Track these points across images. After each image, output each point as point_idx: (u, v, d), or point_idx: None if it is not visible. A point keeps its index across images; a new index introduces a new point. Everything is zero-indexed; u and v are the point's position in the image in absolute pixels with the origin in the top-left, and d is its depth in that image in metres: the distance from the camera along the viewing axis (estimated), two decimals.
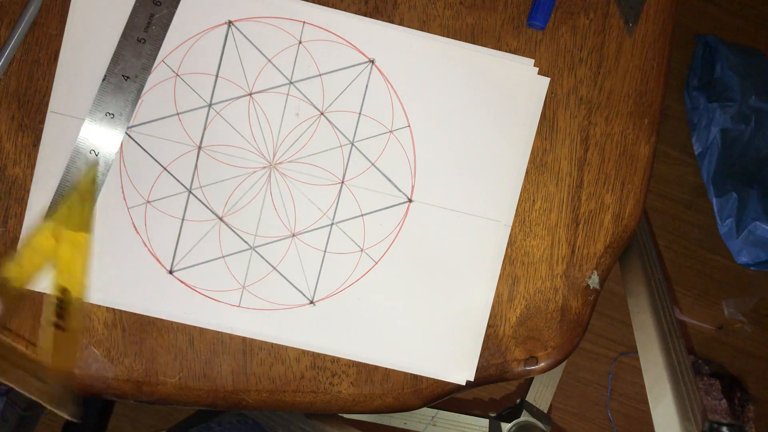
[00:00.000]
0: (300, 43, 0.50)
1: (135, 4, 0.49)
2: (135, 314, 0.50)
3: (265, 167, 0.51)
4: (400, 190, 0.51)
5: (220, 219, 0.50)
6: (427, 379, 0.52)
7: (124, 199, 0.50)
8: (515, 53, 0.51)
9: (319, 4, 0.50)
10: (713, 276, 1.25)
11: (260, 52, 0.50)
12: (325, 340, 0.51)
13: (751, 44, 1.24)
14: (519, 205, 0.52)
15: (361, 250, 0.51)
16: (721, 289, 1.25)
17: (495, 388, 1.23)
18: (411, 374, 0.52)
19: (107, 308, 0.50)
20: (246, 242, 0.51)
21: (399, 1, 0.51)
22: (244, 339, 0.51)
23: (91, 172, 0.47)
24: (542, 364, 0.52)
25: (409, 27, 0.51)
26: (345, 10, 0.50)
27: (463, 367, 0.52)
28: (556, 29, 0.51)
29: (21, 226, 0.49)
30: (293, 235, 0.51)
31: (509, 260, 0.52)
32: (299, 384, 0.51)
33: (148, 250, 0.50)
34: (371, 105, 0.51)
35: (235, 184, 0.50)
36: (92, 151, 0.49)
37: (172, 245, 0.50)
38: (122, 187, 0.50)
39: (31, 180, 0.49)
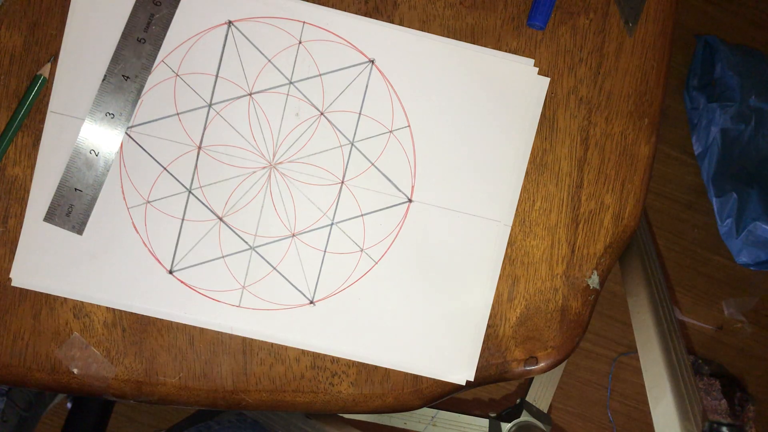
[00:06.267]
0: (300, 43, 0.50)
1: (135, 4, 0.49)
2: (135, 314, 0.50)
3: (265, 167, 0.51)
4: (400, 190, 0.51)
5: (220, 219, 0.50)
6: (427, 379, 0.52)
7: (124, 199, 0.50)
8: (515, 53, 0.51)
9: (319, 4, 0.50)
10: (713, 276, 1.25)
11: (260, 52, 0.50)
12: (325, 340, 0.51)
13: (751, 44, 1.24)
14: (519, 205, 0.52)
15: (361, 250, 0.51)
16: (721, 289, 1.25)
17: (495, 388, 1.23)
18: (411, 374, 0.52)
19: (107, 308, 0.50)
20: (246, 242, 0.51)
21: (399, 1, 0.51)
22: (244, 339, 0.51)
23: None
24: (542, 364, 0.52)
25: (409, 27, 0.51)
26: (345, 10, 0.50)
27: (463, 367, 0.52)
28: (556, 29, 0.51)
29: (21, 226, 0.49)
30: (293, 235, 0.51)
31: (509, 260, 0.52)
32: (299, 384, 0.51)
33: (148, 250, 0.50)
34: (371, 105, 0.51)
35: (235, 184, 0.50)
36: (92, 151, 0.49)
37: (172, 245, 0.50)
38: (122, 187, 0.50)
39: (31, 180, 0.49)
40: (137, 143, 0.50)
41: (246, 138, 0.50)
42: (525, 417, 1.09)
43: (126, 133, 0.50)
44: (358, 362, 0.51)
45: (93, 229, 0.50)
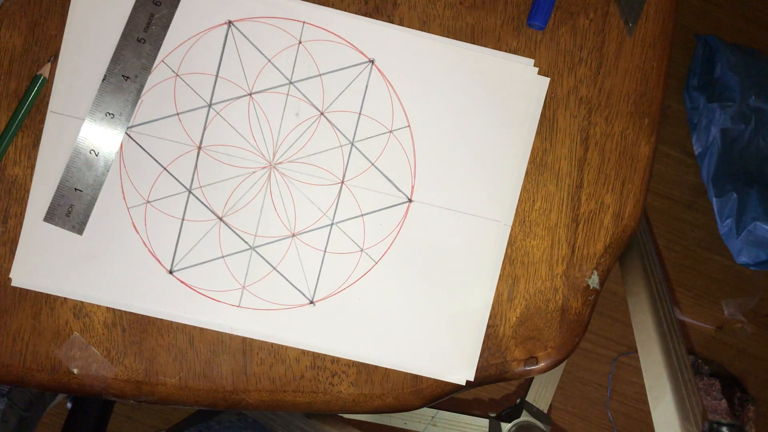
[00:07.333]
0: (300, 43, 0.50)
1: (135, 4, 0.49)
2: (135, 314, 0.50)
3: (265, 167, 0.51)
4: (400, 190, 0.51)
5: (220, 219, 0.50)
6: (427, 379, 0.52)
7: (124, 199, 0.50)
8: (515, 53, 0.51)
9: (319, 4, 0.50)
10: (713, 276, 1.25)
11: (260, 52, 0.50)
12: (325, 340, 0.51)
13: (751, 44, 1.24)
14: (519, 205, 0.52)
15: (361, 250, 0.51)
16: (721, 289, 1.25)
17: (495, 388, 1.23)
18: (411, 374, 0.52)
19: (107, 308, 0.50)
20: (246, 242, 0.51)
21: (399, 1, 0.51)
22: (244, 339, 0.51)
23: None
24: (542, 364, 0.52)
25: (409, 27, 0.51)
26: (345, 10, 0.50)
27: (463, 367, 0.52)
28: (556, 29, 0.51)
29: (21, 226, 0.49)
30: (293, 235, 0.51)
31: (509, 260, 0.52)
32: (299, 384, 0.51)
33: (148, 250, 0.50)
34: (371, 105, 0.51)
35: (235, 184, 0.50)
36: (92, 151, 0.49)
37: (172, 245, 0.50)
38: (122, 187, 0.50)
39: (31, 180, 0.49)
40: (137, 143, 0.50)
41: (246, 138, 0.50)
42: (525, 417, 1.09)
43: (126, 133, 0.50)
44: (358, 362, 0.51)
45: (93, 229, 0.50)
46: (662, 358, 0.67)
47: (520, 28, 0.51)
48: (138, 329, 0.50)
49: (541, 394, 1.16)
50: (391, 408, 0.52)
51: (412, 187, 0.51)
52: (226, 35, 0.50)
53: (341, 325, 0.51)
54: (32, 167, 0.49)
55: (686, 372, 0.65)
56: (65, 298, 0.50)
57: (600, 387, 1.25)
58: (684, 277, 1.25)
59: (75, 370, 0.50)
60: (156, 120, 0.50)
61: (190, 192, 0.50)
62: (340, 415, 0.88)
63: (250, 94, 0.50)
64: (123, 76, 0.49)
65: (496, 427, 1.09)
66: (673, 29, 0.52)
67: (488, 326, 0.52)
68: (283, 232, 0.51)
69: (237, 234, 0.51)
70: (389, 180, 0.51)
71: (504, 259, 0.52)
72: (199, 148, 0.50)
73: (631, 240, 0.53)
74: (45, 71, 0.49)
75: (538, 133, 0.52)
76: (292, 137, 0.51)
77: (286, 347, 0.51)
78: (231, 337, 0.51)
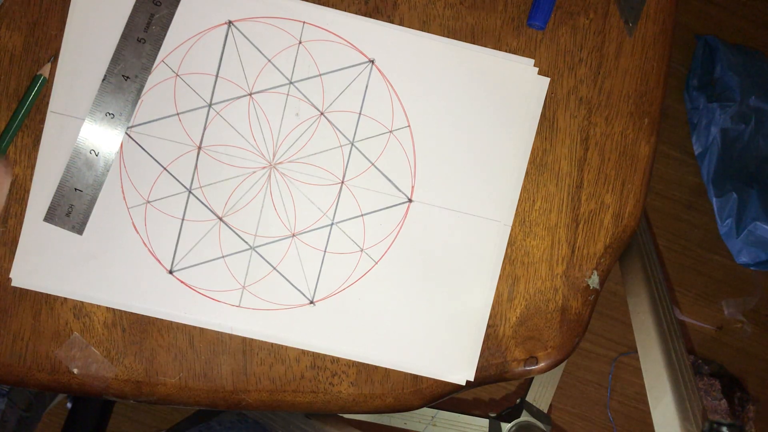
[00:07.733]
0: (300, 43, 0.50)
1: (135, 4, 0.49)
2: (135, 314, 0.50)
3: (265, 167, 0.51)
4: (400, 190, 0.51)
5: (220, 219, 0.50)
6: (427, 379, 0.52)
7: (124, 199, 0.50)
8: (515, 53, 0.51)
9: (319, 4, 0.50)
10: (713, 276, 1.25)
11: (260, 52, 0.50)
12: (325, 340, 0.51)
13: (751, 44, 1.24)
14: (519, 205, 0.52)
15: (361, 250, 0.51)
16: (721, 289, 1.25)
17: (495, 388, 1.23)
18: (411, 374, 0.52)
19: (107, 308, 0.50)
20: (246, 242, 0.51)
21: (399, 1, 0.51)
22: (244, 339, 0.51)
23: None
24: (542, 364, 0.52)
25: (409, 27, 0.51)
26: (345, 10, 0.50)
27: (463, 367, 0.52)
28: (556, 29, 0.51)
29: (21, 226, 0.49)
30: (293, 235, 0.51)
31: (509, 260, 0.52)
32: (299, 384, 0.51)
33: (148, 250, 0.50)
34: (371, 105, 0.51)
35: (235, 184, 0.50)
36: (92, 151, 0.49)
37: (172, 245, 0.50)
38: (122, 187, 0.50)
39: (31, 180, 0.49)
40: (137, 143, 0.50)
41: (246, 138, 0.50)
42: (525, 417, 1.09)
43: (126, 133, 0.50)
44: (358, 362, 0.51)
45: (93, 229, 0.50)
46: (662, 358, 0.67)
47: (520, 28, 0.51)
48: (138, 329, 0.50)
49: (541, 394, 1.16)
50: (391, 408, 0.52)
51: (412, 187, 0.51)
52: (226, 35, 0.50)
53: (341, 325, 0.51)
54: (32, 167, 0.49)
55: (686, 372, 0.65)
56: (65, 298, 0.50)
57: (600, 387, 1.25)
58: (684, 277, 1.25)
59: (75, 370, 0.50)
60: (156, 120, 0.50)
61: (190, 192, 0.50)
62: (340, 415, 0.88)
63: (250, 94, 0.50)
64: (123, 76, 0.49)
65: (496, 427, 1.09)
66: (673, 29, 0.52)
67: (488, 326, 0.52)
68: (283, 232, 0.51)
69: (237, 234, 0.51)
70: (389, 180, 0.51)
71: (504, 259, 0.52)
72: (199, 148, 0.50)
73: (631, 240, 0.53)
74: (45, 71, 0.49)
75: (538, 133, 0.52)
76: (292, 137, 0.51)
77: (286, 347, 0.51)
78: (231, 337, 0.51)
